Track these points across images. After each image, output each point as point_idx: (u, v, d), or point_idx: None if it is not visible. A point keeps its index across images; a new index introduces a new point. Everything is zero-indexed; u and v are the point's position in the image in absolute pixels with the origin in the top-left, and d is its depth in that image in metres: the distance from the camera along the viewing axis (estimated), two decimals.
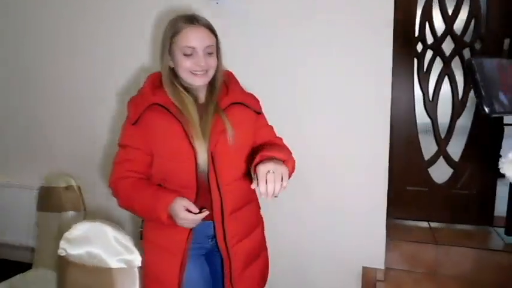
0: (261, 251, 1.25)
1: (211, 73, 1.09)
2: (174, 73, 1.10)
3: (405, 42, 1.93)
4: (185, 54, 1.05)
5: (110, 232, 1.17)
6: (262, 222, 1.30)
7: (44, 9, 2.17)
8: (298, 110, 1.78)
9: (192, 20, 1.06)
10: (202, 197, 1.08)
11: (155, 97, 1.08)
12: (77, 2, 2.06)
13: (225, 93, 1.15)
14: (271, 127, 1.26)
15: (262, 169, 0.94)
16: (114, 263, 1.13)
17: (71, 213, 1.76)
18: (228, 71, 1.20)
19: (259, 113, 1.21)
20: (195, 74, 1.06)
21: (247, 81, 1.73)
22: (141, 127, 1.07)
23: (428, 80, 1.98)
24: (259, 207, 1.29)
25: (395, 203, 1.98)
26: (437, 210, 2.06)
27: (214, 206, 1.08)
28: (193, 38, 1.04)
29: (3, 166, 2.42)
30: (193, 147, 1.05)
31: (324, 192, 1.81)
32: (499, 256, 1.80)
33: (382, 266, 1.82)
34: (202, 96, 1.14)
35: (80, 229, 1.19)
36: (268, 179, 0.92)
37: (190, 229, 1.08)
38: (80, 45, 2.08)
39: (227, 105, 1.13)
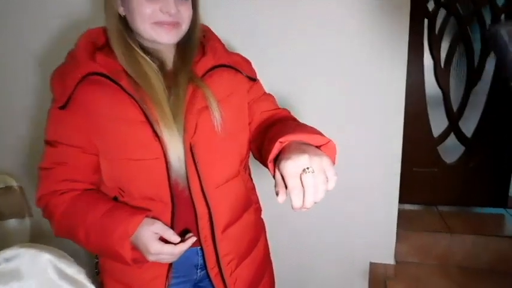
0: (265, 269, 0.94)
1: (184, 27, 0.74)
2: (126, 26, 0.74)
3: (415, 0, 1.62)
4: None
5: (51, 262, 0.83)
6: (265, 229, 0.97)
7: None
8: (302, 79, 1.48)
9: None
10: (181, 212, 0.75)
11: (93, 63, 0.72)
12: None
13: (202, 55, 0.80)
14: (272, 97, 0.90)
15: (293, 169, 0.55)
16: None
17: (11, 221, 1.39)
18: (204, 25, 0.82)
19: (254, 79, 0.86)
20: (160, 25, 0.71)
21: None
22: (75, 112, 0.72)
23: (440, 44, 1.70)
24: (260, 211, 0.95)
25: (401, 186, 1.75)
26: (448, 193, 1.84)
27: (200, 222, 0.77)
28: None
29: None
30: (159, 138, 0.71)
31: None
32: None
33: (392, 261, 1.60)
34: (169, 62, 0.79)
35: (8, 258, 0.84)
36: (307, 184, 0.53)
37: (169, 265, 0.78)
38: None
39: (206, 70, 0.78)
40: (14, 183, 1.41)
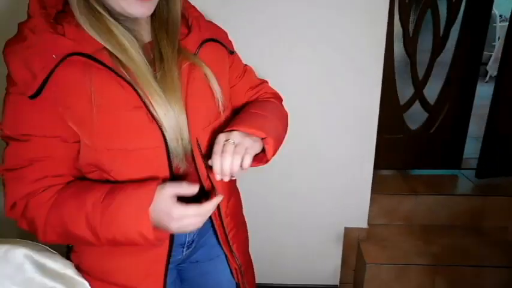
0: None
1: None
2: None
3: None
4: None
5: (29, 258, 0.72)
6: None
7: None
8: (278, 44, 1.41)
9: None
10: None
11: (65, 40, 0.59)
12: None
13: (185, 26, 0.74)
14: (251, 70, 0.90)
15: (220, 137, 0.66)
16: None
17: None
18: None
19: (232, 52, 0.83)
20: None
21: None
22: (50, 99, 0.59)
23: (410, 13, 1.71)
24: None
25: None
26: (411, 157, 1.94)
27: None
28: None
29: None
30: (158, 124, 0.64)
31: (302, 143, 1.53)
32: (472, 200, 1.77)
33: (365, 225, 1.67)
34: (145, 35, 0.70)
35: None
36: (225, 150, 0.63)
37: (170, 245, 0.70)
38: None
39: (198, 46, 0.72)
40: None
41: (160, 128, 0.64)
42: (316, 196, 1.62)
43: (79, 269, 0.74)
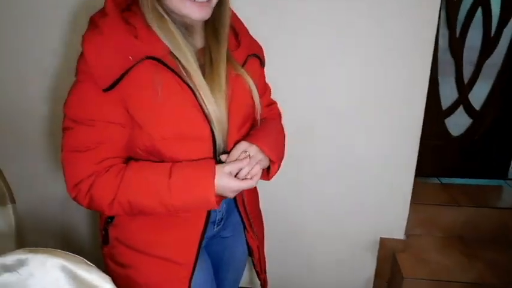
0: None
1: (214, 3, 0.71)
2: None
3: None
4: None
5: (65, 270, 0.69)
6: None
7: None
8: (311, 47, 1.34)
9: None
10: None
11: (143, 42, 0.67)
12: None
13: (234, 38, 0.82)
14: (270, 89, 1.01)
15: (242, 145, 0.76)
16: None
17: None
18: None
19: (263, 66, 0.92)
20: (192, 0, 0.67)
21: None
22: (121, 93, 0.67)
23: (458, 12, 1.60)
24: None
25: None
26: (452, 165, 1.83)
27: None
28: None
29: None
30: (208, 119, 0.72)
31: (338, 146, 1.46)
32: None
33: (402, 236, 1.58)
34: (198, 41, 0.78)
35: (10, 266, 0.70)
36: (241, 157, 0.75)
37: (206, 218, 0.79)
38: None
39: (244, 60, 0.81)
40: None
41: (209, 124, 0.72)
42: (351, 203, 1.54)
43: (118, 240, 0.81)
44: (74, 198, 0.73)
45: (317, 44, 1.34)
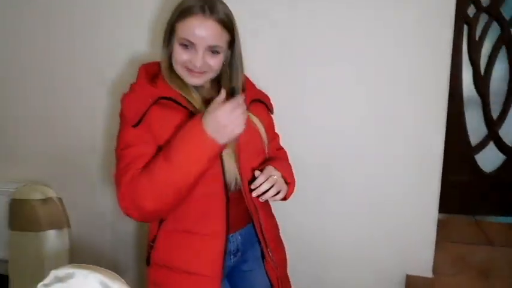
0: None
1: (211, 74, 0.92)
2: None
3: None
4: (182, 44, 0.87)
5: (101, 282, 0.83)
6: None
7: None
8: (332, 85, 1.43)
9: (204, 8, 0.85)
10: (233, 208, 0.92)
11: (160, 90, 0.90)
12: None
13: (242, 90, 1.00)
14: (279, 136, 1.17)
15: (271, 169, 0.93)
16: None
17: (51, 232, 1.40)
18: None
19: (272, 112, 1.09)
20: (189, 71, 0.89)
21: (276, 55, 1.45)
22: (146, 126, 0.87)
23: (480, 50, 1.64)
24: None
25: None
26: (485, 202, 1.78)
27: (255, 217, 0.97)
28: (197, 33, 0.85)
29: None
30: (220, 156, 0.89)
31: (358, 182, 1.49)
32: None
33: (430, 274, 1.55)
34: (205, 92, 0.97)
35: (61, 278, 0.85)
36: (269, 180, 0.90)
37: (226, 235, 0.92)
38: (54, 28, 1.64)
39: (249, 102, 0.96)
40: (54, 194, 1.43)
41: (221, 160, 0.88)
42: (375, 238, 1.54)
43: (157, 262, 0.96)
44: (119, 198, 0.88)
45: (334, 81, 1.43)
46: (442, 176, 1.81)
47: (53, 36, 1.63)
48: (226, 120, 0.78)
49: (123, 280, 0.86)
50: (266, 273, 1.02)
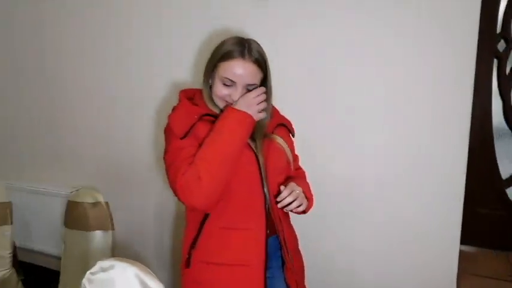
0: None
1: None
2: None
3: (484, 39, 1.60)
4: (224, 84, 1.03)
5: (137, 276, 0.97)
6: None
7: (72, 13, 2.04)
8: (355, 113, 1.51)
9: (243, 52, 1.01)
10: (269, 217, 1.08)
11: (203, 108, 1.06)
12: (107, 11, 1.91)
13: (269, 118, 1.13)
14: (298, 158, 1.27)
15: (294, 185, 1.05)
16: None
17: (98, 232, 1.60)
18: None
19: (293, 135, 1.22)
20: (226, 101, 1.04)
21: (298, 83, 1.57)
22: (193, 137, 1.02)
23: (510, 83, 1.65)
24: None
25: (464, 226, 1.68)
26: None
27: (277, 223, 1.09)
28: (237, 73, 1.01)
29: (34, 172, 2.35)
30: (258, 159, 1.05)
31: (379, 213, 1.53)
32: None
33: None
34: None
35: (104, 268, 1.00)
36: (293, 194, 1.01)
37: (266, 224, 1.06)
38: (114, 53, 1.93)
39: (275, 126, 1.13)
40: (102, 199, 1.63)
41: (259, 163, 1.05)
42: (394, 267, 1.55)
43: (199, 260, 1.07)
44: (179, 191, 0.99)
45: (358, 110, 1.50)
46: (471, 209, 1.81)
47: (107, 61, 1.93)
48: (252, 101, 1.00)
49: (152, 273, 1.00)
50: (285, 280, 1.12)
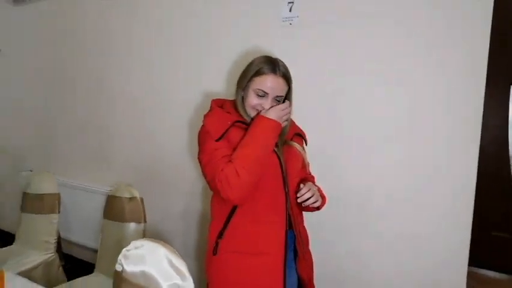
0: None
1: None
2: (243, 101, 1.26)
3: (500, 54, 1.65)
4: (257, 95, 1.20)
5: (165, 255, 1.13)
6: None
7: (122, 25, 2.34)
8: (368, 132, 1.63)
9: (274, 69, 1.20)
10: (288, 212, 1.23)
11: (234, 116, 1.22)
12: (159, 24, 2.18)
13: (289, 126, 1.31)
14: (309, 163, 1.40)
15: (311, 184, 1.22)
16: (165, 287, 1.09)
17: (132, 224, 1.79)
18: None
19: (306, 145, 1.38)
20: (257, 110, 1.21)
21: (321, 101, 1.71)
22: (226, 140, 1.17)
23: None
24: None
25: (476, 249, 1.69)
26: None
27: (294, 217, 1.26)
28: (270, 86, 1.19)
29: (80, 170, 2.64)
30: (280, 161, 1.21)
31: (390, 231, 1.61)
32: None
33: None
34: None
35: (137, 246, 1.17)
36: (311, 191, 1.18)
37: (286, 220, 1.22)
38: (156, 63, 2.20)
39: (293, 135, 1.31)
40: (137, 194, 1.83)
41: (281, 164, 1.22)
42: (402, 279, 1.60)
43: (225, 249, 1.22)
44: (218, 185, 1.12)
45: (373, 127, 1.61)
46: (486, 233, 1.84)
47: (149, 73, 2.18)
48: (281, 113, 1.18)
49: (177, 253, 1.16)
50: (296, 271, 1.29)
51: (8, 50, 3.06)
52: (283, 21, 1.74)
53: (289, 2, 1.72)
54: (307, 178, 1.34)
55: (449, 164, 1.50)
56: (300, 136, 1.35)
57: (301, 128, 1.40)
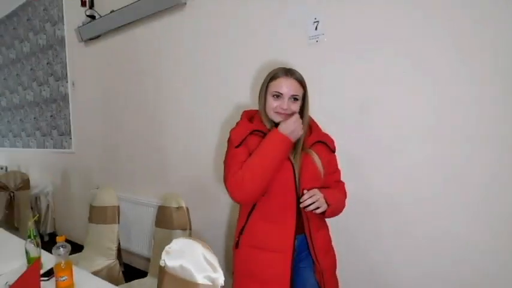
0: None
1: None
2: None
3: None
4: (274, 96, 1.31)
5: (200, 250, 1.26)
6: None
7: (164, 47, 2.64)
8: (396, 135, 1.65)
9: (287, 72, 1.32)
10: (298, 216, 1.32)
11: (254, 125, 1.35)
12: (199, 46, 2.44)
13: (309, 134, 1.39)
14: (340, 171, 1.47)
15: (315, 191, 1.27)
16: (200, 279, 1.21)
17: (178, 231, 1.97)
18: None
19: (333, 151, 1.43)
20: (278, 113, 1.32)
21: (344, 113, 1.79)
22: (245, 146, 1.31)
23: None
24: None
25: None
26: None
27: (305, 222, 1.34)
28: (283, 86, 1.30)
29: (132, 186, 2.95)
30: (292, 164, 1.31)
31: (418, 230, 1.60)
32: None
33: None
34: None
35: (177, 243, 1.33)
36: (313, 198, 1.24)
37: (296, 219, 1.31)
38: (196, 87, 2.45)
39: (313, 143, 1.37)
40: (183, 204, 2.02)
41: (293, 167, 1.31)
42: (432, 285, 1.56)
43: (245, 243, 1.37)
44: (227, 187, 1.30)
45: (406, 135, 1.63)
46: None
47: (193, 98, 2.42)
48: (292, 126, 1.27)
49: (210, 248, 1.30)
50: (314, 272, 1.38)
51: (81, 83, 3.58)
52: (310, 39, 1.87)
53: (314, 22, 1.85)
54: (328, 186, 1.39)
55: (476, 166, 1.47)
56: (323, 144, 1.40)
57: (329, 134, 1.46)
